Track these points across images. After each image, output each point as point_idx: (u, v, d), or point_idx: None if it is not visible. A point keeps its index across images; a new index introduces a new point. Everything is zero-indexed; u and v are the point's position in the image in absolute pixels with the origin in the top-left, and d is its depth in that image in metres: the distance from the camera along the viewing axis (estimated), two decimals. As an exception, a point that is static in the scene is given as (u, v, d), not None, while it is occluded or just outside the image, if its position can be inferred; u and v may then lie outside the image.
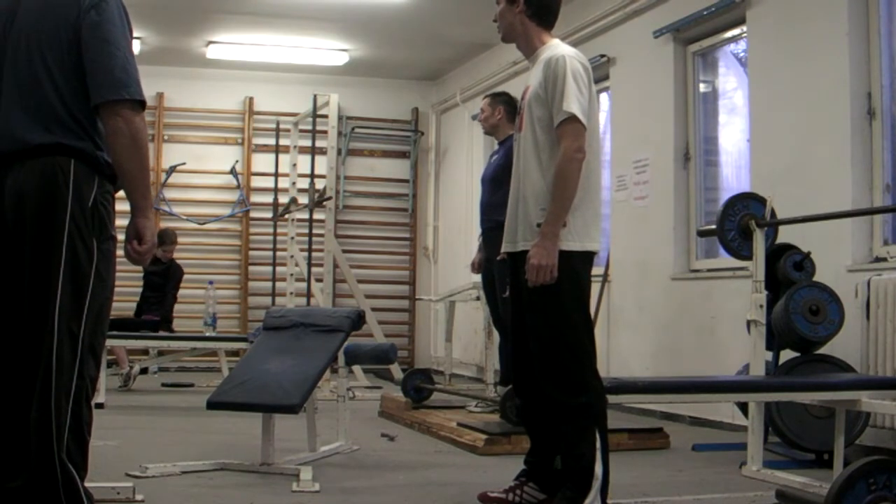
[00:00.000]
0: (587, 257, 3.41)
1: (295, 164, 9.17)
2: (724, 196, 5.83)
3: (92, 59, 2.50)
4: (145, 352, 9.11)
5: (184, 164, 9.93)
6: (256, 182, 10.30)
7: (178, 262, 8.76)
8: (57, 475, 2.45)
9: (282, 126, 9.51)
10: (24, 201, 2.47)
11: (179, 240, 9.80)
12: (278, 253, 9.44)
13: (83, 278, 2.49)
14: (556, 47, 3.48)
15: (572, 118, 3.30)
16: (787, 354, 4.82)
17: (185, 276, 9.20)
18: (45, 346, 2.45)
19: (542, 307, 3.33)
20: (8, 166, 2.49)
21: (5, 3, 2.59)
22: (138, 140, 2.52)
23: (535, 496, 3.55)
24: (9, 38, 2.55)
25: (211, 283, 8.65)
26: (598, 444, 3.25)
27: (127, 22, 2.59)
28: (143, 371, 8.95)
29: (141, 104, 2.53)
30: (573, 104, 3.30)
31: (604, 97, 7.92)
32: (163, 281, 8.34)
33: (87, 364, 2.52)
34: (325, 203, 8.01)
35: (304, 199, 8.54)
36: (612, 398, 3.32)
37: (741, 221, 4.42)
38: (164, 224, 9.89)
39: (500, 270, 5.65)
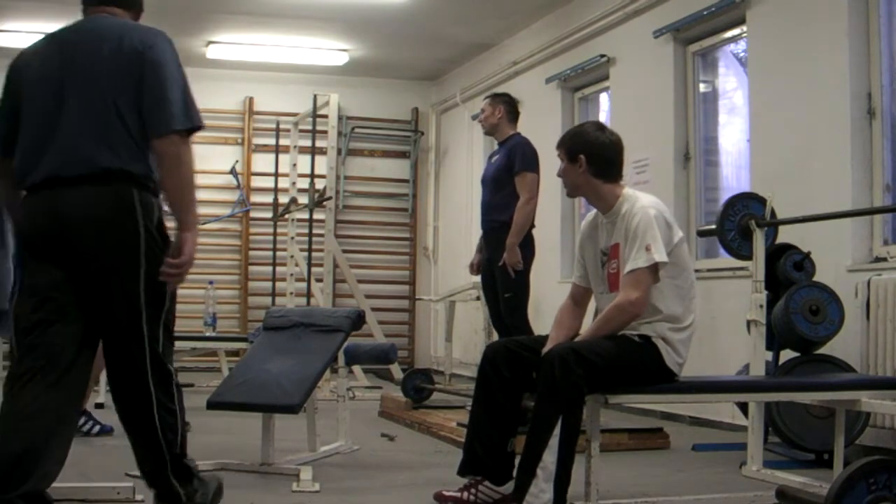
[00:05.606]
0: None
1: (295, 164, 9.17)
2: (724, 196, 5.82)
3: (149, 96, 2.84)
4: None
5: (184, 164, 9.91)
6: (256, 182, 10.30)
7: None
8: (166, 462, 2.90)
9: (282, 126, 9.50)
10: (100, 227, 2.79)
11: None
12: (278, 253, 9.43)
13: (160, 294, 2.94)
14: (633, 200, 3.51)
15: (643, 269, 3.35)
16: (787, 354, 4.82)
17: (186, 276, 9.17)
18: (138, 356, 2.85)
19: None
20: (77, 188, 2.80)
21: (58, 58, 2.89)
22: (182, 163, 2.92)
23: (490, 495, 3.53)
24: (75, 83, 2.85)
25: (211, 283, 8.63)
26: (556, 431, 3.13)
27: (176, 55, 2.95)
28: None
29: (188, 131, 2.92)
30: (655, 254, 3.35)
31: (603, 97, 7.93)
32: None
33: (168, 368, 2.95)
34: (325, 203, 8.01)
35: (304, 199, 8.53)
36: (611, 398, 3.32)
37: (741, 221, 4.41)
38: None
39: (501, 271, 5.64)
